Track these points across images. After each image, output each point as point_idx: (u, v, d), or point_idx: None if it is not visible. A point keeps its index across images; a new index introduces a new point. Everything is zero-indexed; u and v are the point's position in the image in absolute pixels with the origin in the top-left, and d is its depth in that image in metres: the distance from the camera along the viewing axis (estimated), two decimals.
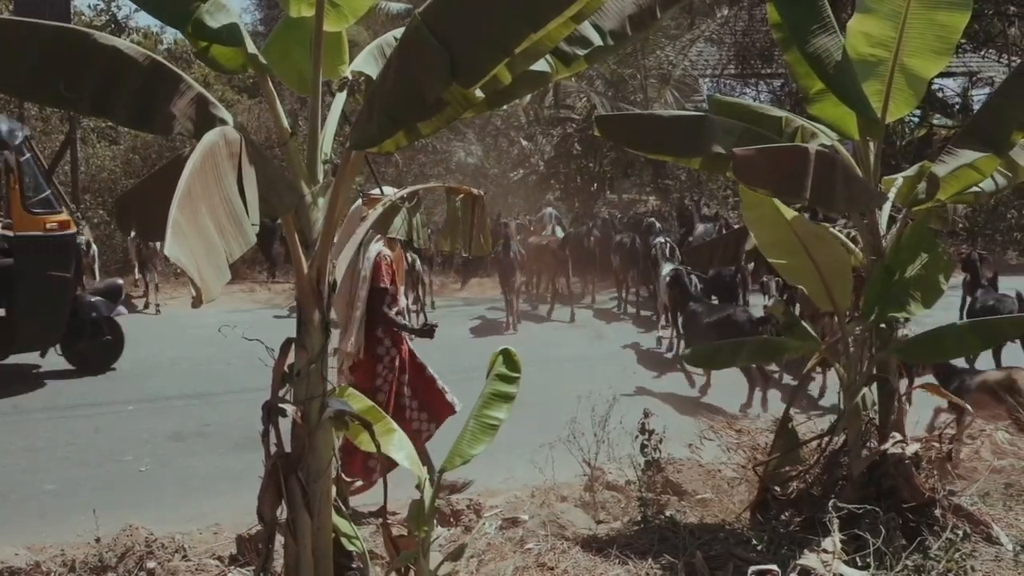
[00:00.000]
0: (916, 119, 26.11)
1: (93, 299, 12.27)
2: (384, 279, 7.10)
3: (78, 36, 3.96)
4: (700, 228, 16.43)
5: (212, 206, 3.11)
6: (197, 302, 2.81)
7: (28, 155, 11.33)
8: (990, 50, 29.14)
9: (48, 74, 3.88)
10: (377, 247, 7.13)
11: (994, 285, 12.77)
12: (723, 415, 8.71)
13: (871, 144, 5.95)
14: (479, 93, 3.68)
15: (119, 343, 12.69)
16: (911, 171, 6.00)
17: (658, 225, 19.08)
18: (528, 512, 6.61)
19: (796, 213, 5.88)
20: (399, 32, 4.22)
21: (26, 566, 5.62)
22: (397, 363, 7.29)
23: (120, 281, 13.53)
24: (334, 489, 4.35)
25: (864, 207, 5.91)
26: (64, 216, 11.68)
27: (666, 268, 14.27)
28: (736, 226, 18.26)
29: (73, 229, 11.93)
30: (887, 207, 6.03)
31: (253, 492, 4.27)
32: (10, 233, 11.25)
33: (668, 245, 15.95)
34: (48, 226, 11.28)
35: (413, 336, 7.42)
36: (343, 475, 4.71)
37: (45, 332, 11.63)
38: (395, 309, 7.19)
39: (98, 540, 5.72)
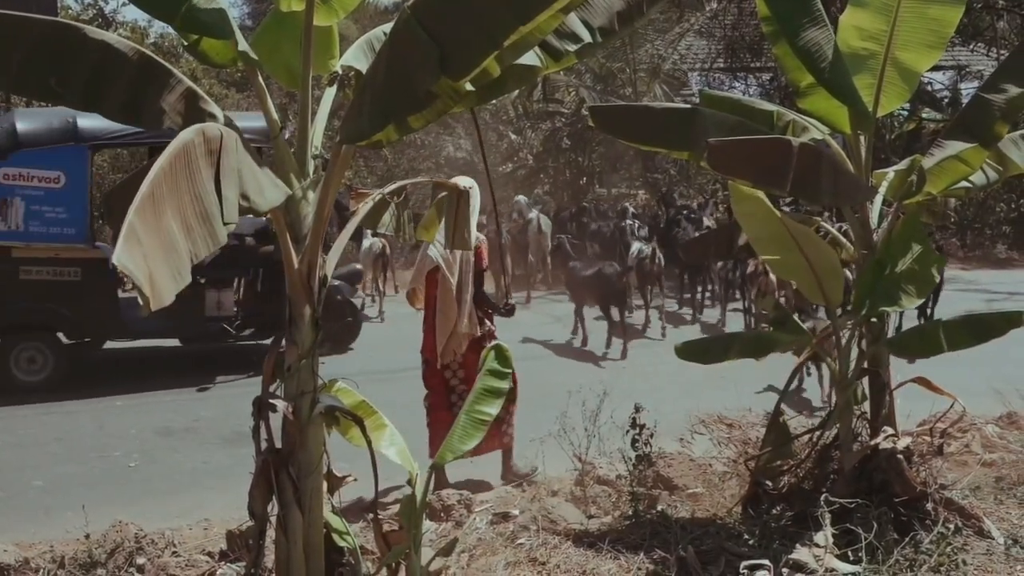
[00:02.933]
0: (905, 113, 26.11)
1: (336, 282, 12.63)
2: (484, 262, 7.66)
3: (68, 30, 3.94)
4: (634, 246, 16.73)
5: (181, 206, 3.10)
6: (144, 309, 2.80)
7: None
8: (979, 44, 29.15)
9: (37, 68, 3.86)
10: (477, 233, 7.29)
11: None
12: (714, 410, 8.72)
13: (862, 138, 5.95)
14: (468, 86, 3.66)
15: (358, 324, 13.57)
16: (902, 165, 6.00)
17: (632, 210, 19.93)
18: (519, 507, 6.60)
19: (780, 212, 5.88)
20: (389, 27, 4.20)
21: (15, 563, 5.58)
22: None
23: (359, 266, 14.44)
24: (325, 485, 4.34)
25: (852, 201, 5.91)
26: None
27: (635, 246, 15.17)
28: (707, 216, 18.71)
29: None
30: (878, 201, 6.03)
31: (243, 487, 4.26)
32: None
33: (636, 225, 17.38)
34: None
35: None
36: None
37: None
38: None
39: (88, 537, 5.69)
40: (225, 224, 3.25)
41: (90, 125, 10.65)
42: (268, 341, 11.73)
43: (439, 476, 7.24)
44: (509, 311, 7.60)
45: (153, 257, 2.87)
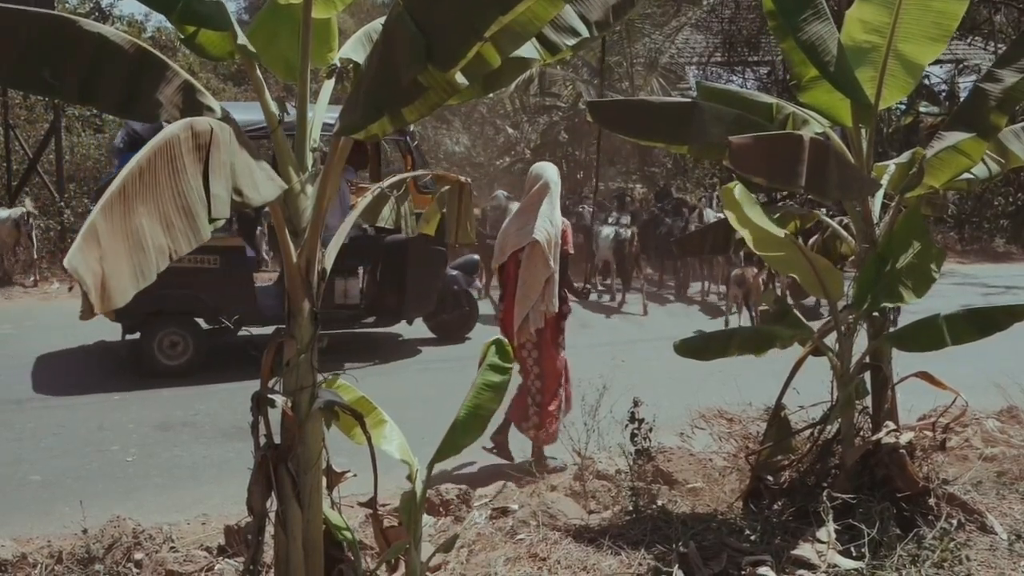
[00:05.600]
0: (903, 107, 26.09)
1: (453, 272, 13.25)
2: (569, 245, 7.98)
3: (63, 23, 3.89)
4: (603, 231, 17.35)
5: (161, 202, 3.07)
6: (86, 314, 2.77)
7: (416, 142, 12.75)
8: (976, 38, 29.15)
9: (33, 61, 3.81)
10: (560, 217, 7.91)
11: None
12: (714, 404, 8.70)
13: (863, 131, 5.92)
14: (461, 79, 3.64)
15: (474, 314, 13.80)
16: (903, 158, 5.99)
17: (628, 198, 21.17)
18: (518, 502, 6.58)
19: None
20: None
21: (12, 558, 5.55)
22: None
23: (476, 257, 14.52)
24: (324, 480, 4.31)
25: (857, 195, 5.89)
26: None
27: (607, 230, 17.00)
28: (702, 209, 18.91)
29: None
30: (879, 195, 6.01)
31: (241, 482, 4.23)
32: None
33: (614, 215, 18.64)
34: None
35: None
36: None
37: (425, 302, 12.69)
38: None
39: (85, 531, 5.65)
40: (212, 220, 3.23)
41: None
42: (390, 328, 13.18)
43: (503, 447, 7.97)
44: (586, 295, 8.44)
45: (113, 257, 2.84)
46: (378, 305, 12.58)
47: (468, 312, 13.76)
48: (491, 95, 23.43)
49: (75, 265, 2.71)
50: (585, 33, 4.05)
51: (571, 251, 8.05)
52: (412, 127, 12.76)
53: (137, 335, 11.43)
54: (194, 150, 3.28)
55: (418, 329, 13.44)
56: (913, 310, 5.92)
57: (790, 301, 13.90)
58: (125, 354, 11.87)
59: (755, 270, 14.11)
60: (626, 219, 18.35)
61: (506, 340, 7.12)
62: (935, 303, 5.77)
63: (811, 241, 7.11)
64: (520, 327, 7.74)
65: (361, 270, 12.80)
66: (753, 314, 14.41)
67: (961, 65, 29.49)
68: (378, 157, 14.37)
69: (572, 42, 4.03)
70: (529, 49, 3.95)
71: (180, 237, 3.09)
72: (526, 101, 28.27)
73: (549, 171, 7.95)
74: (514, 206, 19.57)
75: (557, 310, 7.81)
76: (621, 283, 17.16)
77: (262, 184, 3.63)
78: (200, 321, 11.68)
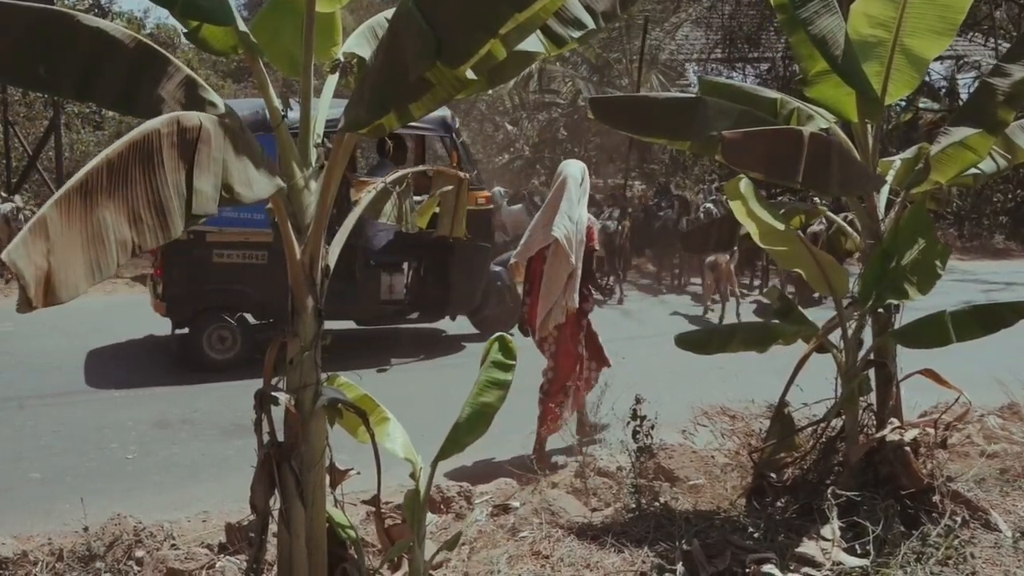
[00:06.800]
0: (903, 103, 26.08)
1: (497, 268, 13.27)
2: (595, 242, 8.18)
3: (62, 18, 3.85)
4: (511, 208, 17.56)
5: (131, 195, 3.07)
6: (22, 308, 2.75)
7: (462, 139, 12.82)
8: (976, 34, 29.13)
9: (32, 57, 3.77)
10: (587, 214, 8.09)
11: None
12: (717, 401, 8.67)
13: (869, 126, 5.90)
14: (471, 74, 3.61)
15: (517, 309, 13.57)
16: (908, 153, 5.97)
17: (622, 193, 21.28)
18: (519, 499, 6.56)
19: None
20: (391, 12, 4.14)
21: (13, 555, 5.53)
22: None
23: None
24: (327, 478, 4.29)
25: (861, 191, 5.86)
26: (487, 192, 13.33)
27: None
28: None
29: (491, 204, 13.62)
30: (885, 191, 5.99)
31: (241, 479, 4.21)
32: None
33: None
34: (479, 201, 12.34)
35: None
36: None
37: (469, 298, 12.88)
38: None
39: (86, 529, 5.64)
40: (193, 215, 3.23)
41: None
42: (434, 324, 13.45)
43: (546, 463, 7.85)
44: (609, 291, 8.78)
45: (63, 251, 2.83)
46: (423, 301, 12.75)
47: (512, 307, 13.64)
48: (490, 91, 23.39)
49: (14, 258, 2.70)
50: (591, 25, 4.00)
51: (596, 248, 8.26)
52: (458, 124, 12.93)
53: (186, 330, 11.59)
54: (178, 145, 3.26)
55: (461, 325, 13.53)
56: (914, 307, 5.89)
57: (788, 292, 14.15)
58: (175, 348, 11.98)
59: (727, 256, 14.63)
60: (615, 213, 18.50)
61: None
62: (935, 300, 5.75)
63: (809, 230, 7.07)
64: (543, 321, 7.91)
65: (406, 266, 12.85)
66: (728, 301, 15.21)
67: (961, 61, 29.47)
68: (422, 154, 14.54)
69: (578, 34, 3.98)
70: (534, 42, 3.91)
71: (147, 232, 3.08)
72: (525, 98, 28.29)
73: (569, 168, 8.15)
74: (511, 204, 19.68)
75: (577, 306, 7.94)
76: (612, 279, 17.01)
77: (256, 182, 3.61)
78: (248, 316, 11.81)
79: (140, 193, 3.09)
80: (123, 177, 3.06)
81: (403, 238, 11.91)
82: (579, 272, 7.91)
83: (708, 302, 16.00)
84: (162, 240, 3.13)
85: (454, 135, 12.49)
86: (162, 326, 11.94)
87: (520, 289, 8.59)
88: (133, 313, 13.99)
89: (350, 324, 12.85)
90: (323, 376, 4.21)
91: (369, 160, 14.57)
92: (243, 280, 11.40)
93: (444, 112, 12.67)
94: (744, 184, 5.32)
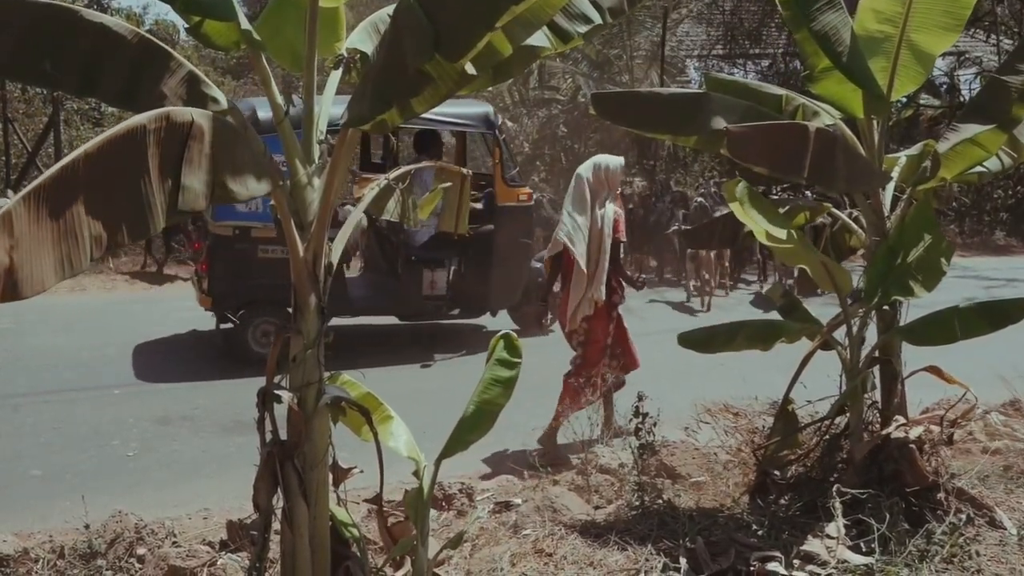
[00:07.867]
0: (903, 100, 26.05)
1: (537, 265, 13.14)
2: (621, 233, 8.17)
3: (63, 13, 3.82)
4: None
5: (110, 189, 3.05)
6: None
7: (504, 135, 12.94)
8: (978, 30, 29.11)
9: (32, 52, 3.75)
10: (613, 206, 8.14)
11: None
12: (720, 398, 8.65)
13: (875, 122, 5.88)
14: (471, 68, 3.59)
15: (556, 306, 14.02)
16: (914, 150, 5.94)
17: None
18: (521, 496, 6.54)
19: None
20: (393, 8, 4.13)
21: (14, 553, 5.53)
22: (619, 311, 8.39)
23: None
24: (330, 477, 4.27)
25: (866, 187, 5.84)
26: (528, 189, 13.38)
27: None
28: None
29: (532, 201, 13.55)
30: (890, 187, 5.97)
31: (242, 476, 4.20)
32: (478, 205, 12.37)
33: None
34: (520, 197, 12.77)
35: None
36: None
37: (511, 293, 12.95)
38: None
39: (87, 526, 5.62)
40: (180, 211, 3.22)
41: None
42: (475, 320, 13.51)
43: (551, 448, 8.01)
44: (641, 284, 8.65)
45: (29, 247, 2.82)
46: (464, 297, 12.74)
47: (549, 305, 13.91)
48: (490, 88, 23.38)
49: None
50: (598, 20, 3.99)
51: (623, 239, 8.25)
52: (501, 120, 13.06)
53: (230, 324, 11.70)
54: (165, 140, 3.24)
55: (502, 321, 13.45)
56: (914, 303, 5.86)
57: (787, 285, 14.34)
58: (219, 342, 12.01)
59: None
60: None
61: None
62: (937, 296, 5.73)
63: (811, 222, 7.05)
64: (572, 314, 8.08)
65: (448, 262, 12.84)
66: (710, 289, 15.83)
67: (962, 57, 29.44)
68: (463, 150, 14.57)
69: (584, 29, 3.98)
70: (540, 37, 3.90)
71: (125, 227, 3.05)
72: (525, 94, 28.21)
73: (582, 166, 8.33)
74: None
75: (605, 298, 8.05)
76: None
77: (251, 180, 3.59)
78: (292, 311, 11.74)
79: (120, 188, 3.07)
80: (102, 172, 3.04)
81: (445, 234, 11.81)
82: (605, 264, 8.00)
83: (691, 289, 16.43)
84: (141, 235, 3.12)
85: (496, 132, 12.51)
86: (162, 325, 11.92)
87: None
88: (132, 310, 14.01)
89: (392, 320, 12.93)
90: (326, 374, 4.19)
91: (407, 156, 14.53)
92: (287, 275, 11.24)
93: (487, 108, 12.87)
94: (740, 188, 5.30)
